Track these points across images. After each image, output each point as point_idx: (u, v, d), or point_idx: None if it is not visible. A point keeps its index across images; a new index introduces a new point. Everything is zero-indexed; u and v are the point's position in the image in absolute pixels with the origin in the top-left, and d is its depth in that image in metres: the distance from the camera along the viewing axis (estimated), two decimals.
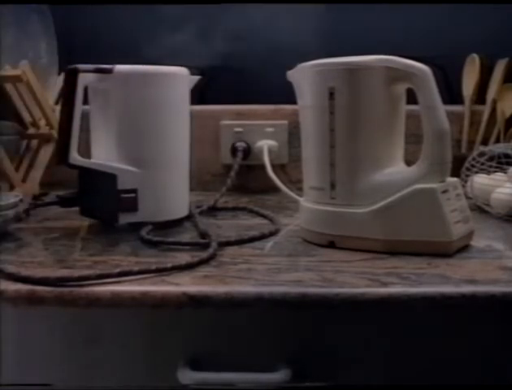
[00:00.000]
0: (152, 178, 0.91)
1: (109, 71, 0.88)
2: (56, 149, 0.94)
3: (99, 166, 0.90)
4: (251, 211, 1.03)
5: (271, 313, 0.68)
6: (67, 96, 0.89)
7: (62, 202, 0.95)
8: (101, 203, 0.91)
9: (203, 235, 0.86)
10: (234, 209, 1.06)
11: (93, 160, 0.92)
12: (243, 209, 1.05)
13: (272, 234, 0.88)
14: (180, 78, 0.94)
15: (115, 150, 0.90)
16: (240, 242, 0.84)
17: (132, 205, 0.89)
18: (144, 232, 0.85)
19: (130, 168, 0.90)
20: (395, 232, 0.78)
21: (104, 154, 0.92)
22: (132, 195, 0.89)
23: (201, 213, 1.00)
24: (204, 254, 0.75)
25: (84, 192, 0.93)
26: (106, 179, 0.89)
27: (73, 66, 0.88)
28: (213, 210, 1.05)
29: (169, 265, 0.72)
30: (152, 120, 0.91)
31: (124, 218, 0.90)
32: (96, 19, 1.28)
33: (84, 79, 0.88)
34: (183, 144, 0.96)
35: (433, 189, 0.77)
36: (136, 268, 0.70)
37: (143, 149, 0.91)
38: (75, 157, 0.89)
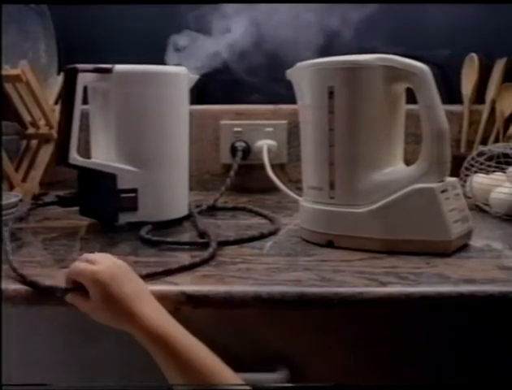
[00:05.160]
0: (151, 177, 0.91)
1: (108, 71, 0.88)
2: (56, 149, 0.94)
3: (99, 165, 0.90)
4: (250, 211, 1.03)
5: (270, 312, 0.68)
6: (66, 96, 0.89)
7: (62, 202, 0.95)
8: (101, 203, 0.91)
9: (202, 234, 0.86)
10: (233, 209, 1.06)
11: (92, 160, 0.92)
12: (242, 209, 1.05)
13: (272, 234, 0.88)
14: (179, 77, 0.94)
15: (115, 150, 0.90)
16: (239, 242, 0.84)
17: (131, 205, 0.90)
18: (143, 232, 0.85)
19: (130, 168, 0.90)
20: (394, 232, 0.78)
21: (104, 154, 0.92)
22: (132, 195, 0.89)
23: (200, 212, 1.00)
24: (205, 254, 0.75)
25: (83, 192, 0.93)
26: (105, 178, 0.89)
27: (72, 65, 0.88)
28: (212, 210, 1.05)
29: (174, 266, 0.71)
30: (151, 120, 0.91)
31: (124, 218, 0.90)
32: (96, 19, 1.28)
33: (83, 78, 0.88)
34: (182, 143, 0.96)
35: (432, 189, 0.77)
36: (143, 272, 0.69)
37: (143, 148, 0.91)
38: (74, 157, 0.89)
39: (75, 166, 0.90)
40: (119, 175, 0.89)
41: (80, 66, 0.88)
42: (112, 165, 0.89)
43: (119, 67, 0.89)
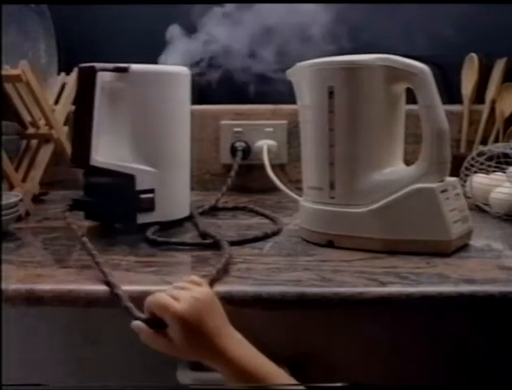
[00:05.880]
0: (166, 177, 0.91)
1: (124, 70, 0.87)
2: (73, 152, 0.89)
3: (119, 166, 0.87)
4: (252, 211, 1.03)
5: (270, 312, 0.68)
6: (84, 95, 0.86)
7: (80, 206, 0.89)
8: (119, 204, 0.88)
9: (203, 235, 0.86)
10: (235, 208, 1.06)
11: (112, 161, 0.88)
12: (243, 208, 1.05)
13: (275, 234, 0.88)
14: (187, 77, 0.94)
15: (131, 150, 0.89)
16: (243, 242, 0.83)
17: (149, 206, 0.88)
18: (150, 233, 0.85)
19: (147, 168, 0.89)
20: (394, 232, 0.78)
21: (114, 154, 0.89)
22: (150, 195, 0.88)
23: (202, 213, 0.99)
24: (222, 260, 0.73)
25: (99, 195, 0.89)
26: (124, 179, 0.87)
27: (89, 64, 0.86)
28: (214, 210, 1.04)
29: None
30: (166, 120, 0.91)
31: (142, 219, 0.88)
32: (96, 19, 1.28)
33: (101, 78, 0.86)
34: (187, 143, 0.96)
35: (432, 189, 0.77)
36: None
37: (159, 148, 0.91)
38: (96, 158, 0.86)
39: (95, 169, 0.87)
40: (137, 176, 0.87)
41: (97, 65, 0.86)
42: (131, 165, 0.88)
43: (135, 67, 0.88)
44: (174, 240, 0.85)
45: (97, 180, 0.90)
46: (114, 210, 0.89)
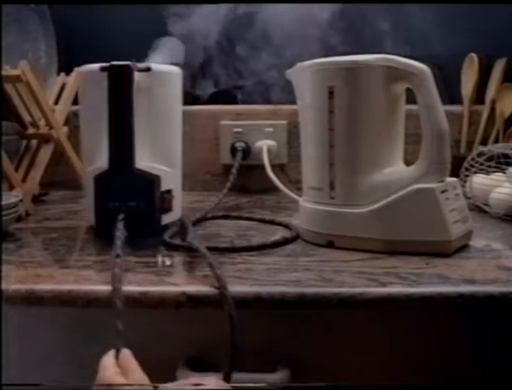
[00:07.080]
0: (177, 177, 0.92)
1: (148, 70, 0.86)
2: (113, 155, 0.84)
3: (152, 168, 0.86)
4: (264, 221, 0.97)
5: (270, 313, 0.68)
6: (120, 96, 0.84)
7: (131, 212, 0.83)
8: (148, 207, 0.85)
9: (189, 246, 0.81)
10: (239, 217, 1.01)
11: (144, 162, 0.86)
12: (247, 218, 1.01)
13: (294, 239, 0.85)
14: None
15: (152, 151, 0.87)
16: (262, 247, 0.81)
17: (169, 206, 0.88)
18: (167, 236, 0.84)
19: (166, 168, 0.88)
20: (394, 232, 0.78)
21: (141, 156, 0.86)
22: (170, 195, 0.88)
23: (206, 218, 0.98)
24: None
25: (133, 199, 0.85)
26: (153, 181, 0.86)
27: (122, 63, 0.84)
28: (220, 217, 1.00)
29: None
30: (177, 119, 0.92)
31: (164, 219, 0.88)
32: (96, 19, 1.28)
33: (136, 78, 0.84)
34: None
35: (432, 189, 0.77)
36: None
37: (173, 148, 0.91)
38: (139, 161, 0.84)
39: (136, 172, 0.84)
40: (161, 177, 0.87)
41: (132, 64, 0.84)
42: (155, 166, 0.87)
43: (155, 67, 0.88)
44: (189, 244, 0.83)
45: (132, 184, 0.86)
46: (144, 214, 0.85)
